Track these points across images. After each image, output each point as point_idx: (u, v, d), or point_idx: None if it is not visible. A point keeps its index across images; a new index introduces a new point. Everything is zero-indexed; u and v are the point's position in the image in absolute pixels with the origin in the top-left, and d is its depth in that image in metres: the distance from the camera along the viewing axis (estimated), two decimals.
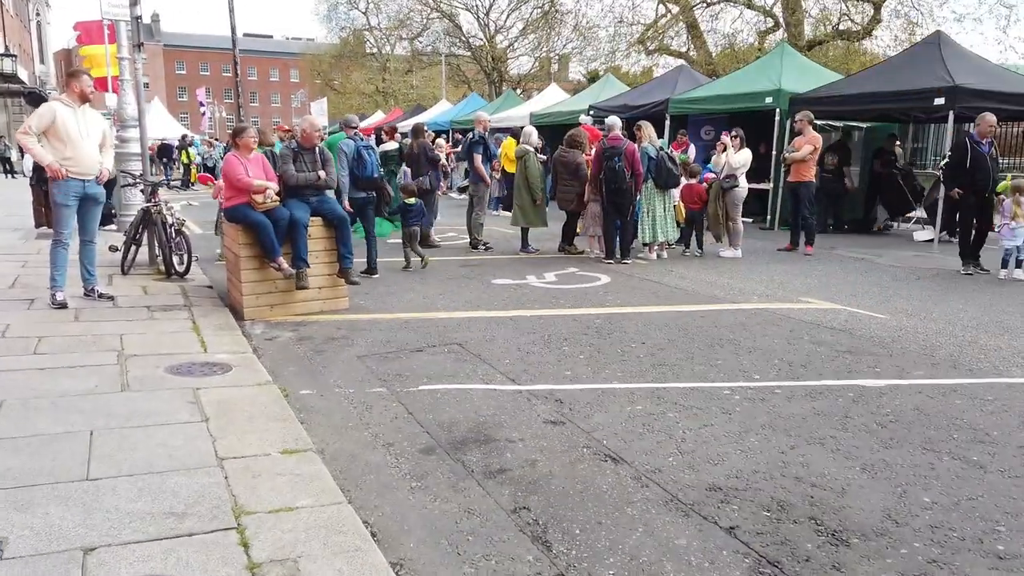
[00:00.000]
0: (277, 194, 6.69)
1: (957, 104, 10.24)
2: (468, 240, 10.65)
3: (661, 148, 9.37)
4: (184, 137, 27.74)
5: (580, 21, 33.97)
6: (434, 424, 4.17)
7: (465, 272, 8.80)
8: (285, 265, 6.53)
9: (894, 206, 13.29)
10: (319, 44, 55.02)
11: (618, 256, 9.30)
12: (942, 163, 8.54)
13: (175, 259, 8.00)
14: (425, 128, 10.79)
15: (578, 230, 10.18)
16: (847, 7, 24.71)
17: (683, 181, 9.68)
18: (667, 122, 15.23)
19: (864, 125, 13.92)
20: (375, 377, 4.98)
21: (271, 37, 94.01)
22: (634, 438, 3.95)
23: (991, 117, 8.42)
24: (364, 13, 50.29)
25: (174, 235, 8.02)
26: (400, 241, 11.35)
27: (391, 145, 11.88)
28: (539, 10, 33.69)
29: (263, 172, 6.70)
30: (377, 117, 35.56)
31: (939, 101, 10.39)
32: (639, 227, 9.42)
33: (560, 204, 9.91)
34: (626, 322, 6.38)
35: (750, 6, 25.81)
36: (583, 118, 17.61)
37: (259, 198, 6.50)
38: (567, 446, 3.87)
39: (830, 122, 13.42)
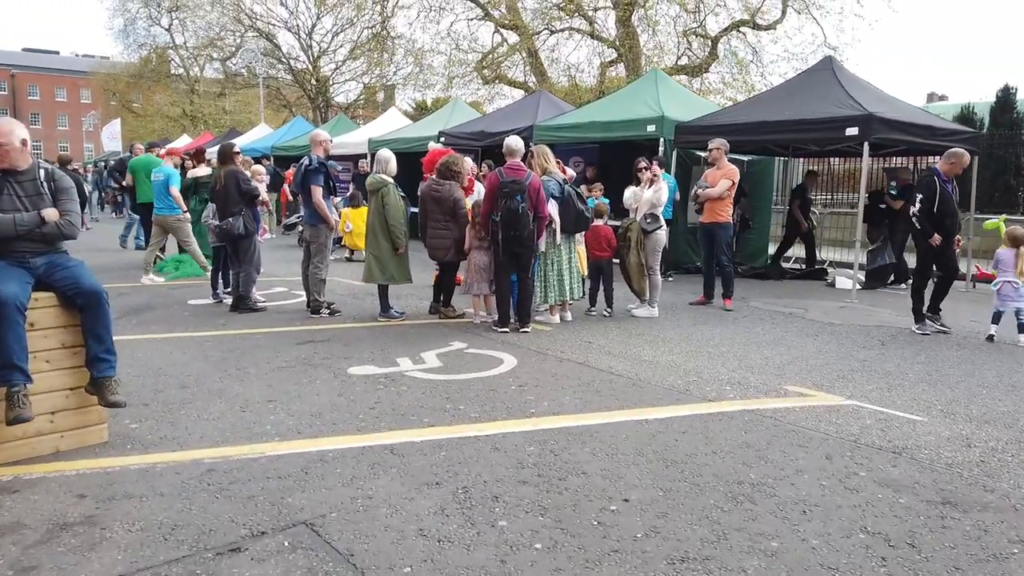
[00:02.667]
0: None
1: (872, 135, 9.09)
2: (305, 301, 7.92)
3: (566, 181, 7.26)
4: None
5: (412, 46, 31.83)
6: None
7: (306, 354, 6.12)
8: None
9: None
10: (114, 63, 48.82)
11: (515, 322, 7.03)
12: (916, 207, 7.09)
13: None
14: (237, 151, 7.95)
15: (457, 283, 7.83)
16: (688, 41, 24.50)
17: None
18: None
19: (746, 158, 12.77)
20: None
21: (57, 53, 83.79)
22: None
23: (966, 154, 7.18)
24: (167, 30, 45.21)
25: None
26: (213, 300, 8.39)
27: (203, 170, 8.91)
28: (369, 31, 31.15)
29: None
30: (183, 141, 31.14)
31: (852, 131, 9.19)
32: (539, 285, 7.21)
33: (431, 253, 7.49)
34: (576, 449, 4.07)
35: (594, 36, 24.96)
36: (432, 145, 15.38)
37: None
38: None
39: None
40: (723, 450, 4.06)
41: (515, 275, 6.97)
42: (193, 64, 46.27)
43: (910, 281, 10.81)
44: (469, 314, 7.61)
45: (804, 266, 12.51)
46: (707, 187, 8.39)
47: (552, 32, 25.21)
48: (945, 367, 6.00)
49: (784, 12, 24.37)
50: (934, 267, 7.32)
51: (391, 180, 7.29)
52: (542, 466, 3.83)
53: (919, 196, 7.09)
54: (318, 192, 7.38)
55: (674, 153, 11.40)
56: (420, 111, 37.33)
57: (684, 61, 25.28)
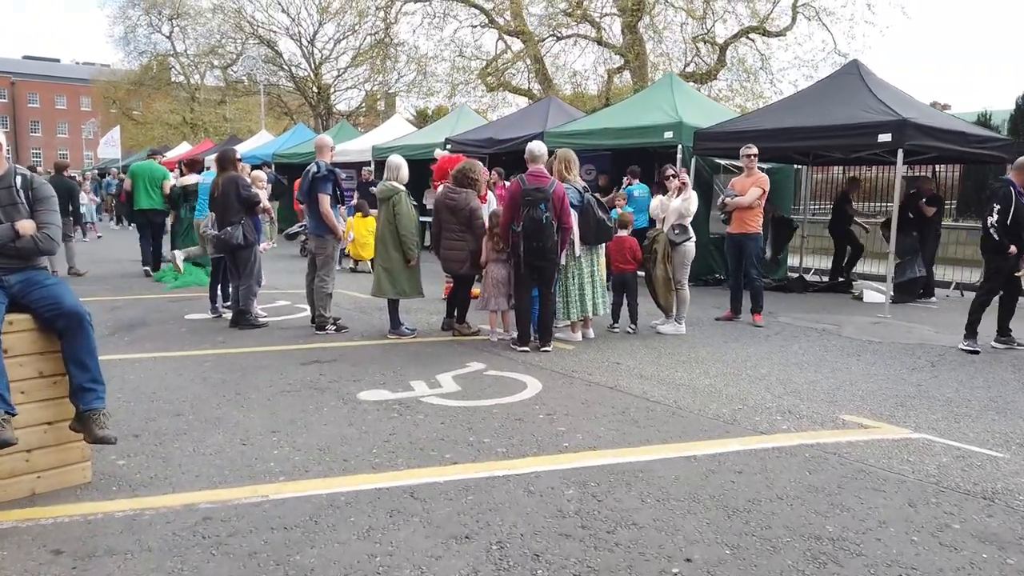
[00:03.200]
0: None
1: (906, 141, 8.64)
2: (310, 316, 7.45)
3: (586, 189, 6.80)
4: None
5: (413, 53, 31.42)
6: None
7: (311, 377, 5.64)
8: None
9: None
10: (115, 70, 48.52)
11: (536, 340, 6.55)
12: (993, 218, 6.62)
13: None
14: (238, 158, 7.48)
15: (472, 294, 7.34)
16: (696, 47, 24.11)
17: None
18: None
19: (766, 166, 12.31)
20: None
21: (58, 61, 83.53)
22: None
23: None
24: (168, 37, 44.96)
25: None
26: (212, 315, 7.86)
27: (193, 178, 8.48)
28: (372, 37, 30.78)
29: None
30: (183, 149, 30.73)
31: (884, 137, 8.74)
32: (560, 300, 6.73)
33: (445, 265, 7.03)
34: (622, 493, 3.59)
35: (601, 43, 24.55)
36: (438, 152, 14.95)
37: None
38: None
39: (734, 163, 11.66)
40: (789, 495, 3.57)
41: (536, 290, 6.49)
42: (194, 72, 46.01)
43: (949, 294, 10.40)
44: (484, 331, 7.14)
45: (827, 278, 12.05)
46: (735, 195, 7.93)
47: (558, 39, 24.81)
48: (1008, 392, 5.52)
49: (794, 19, 24.02)
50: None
51: (403, 188, 6.83)
52: (585, 515, 3.35)
53: (996, 207, 6.62)
54: (326, 201, 6.92)
55: (693, 160, 10.96)
56: (421, 120, 36.96)
57: (692, 68, 24.91)
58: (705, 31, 24.29)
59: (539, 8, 24.57)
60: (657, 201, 7.60)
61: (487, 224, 6.77)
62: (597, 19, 24.57)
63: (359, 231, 11.90)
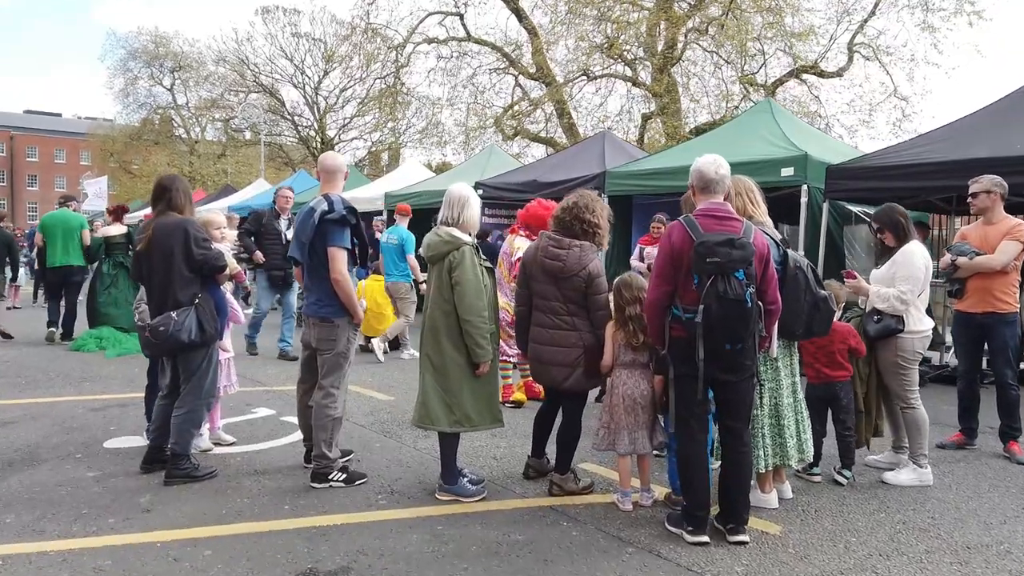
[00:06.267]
0: None
1: None
2: (304, 448, 4.50)
3: (784, 240, 3.93)
4: None
5: (428, 100, 29.20)
6: None
7: None
8: None
9: None
10: (115, 125, 46.93)
11: (713, 519, 3.59)
12: None
13: None
14: (189, 191, 4.55)
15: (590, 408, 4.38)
16: (746, 89, 21.72)
17: None
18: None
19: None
20: None
21: (59, 116, 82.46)
22: None
23: None
24: (169, 90, 43.37)
25: None
26: (148, 441, 4.51)
27: (116, 229, 5.81)
28: (381, 81, 28.50)
29: None
30: None
31: None
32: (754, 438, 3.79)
33: (538, 372, 4.10)
34: None
35: (636, 83, 22.19)
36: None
37: None
38: None
39: (868, 211, 8.90)
40: None
41: (725, 423, 3.56)
42: (194, 124, 44.39)
43: None
44: (598, 481, 4.17)
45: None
46: (975, 253, 5.07)
47: (591, 78, 22.43)
48: None
49: (851, 58, 21.76)
50: None
51: (469, 239, 3.97)
52: None
53: None
54: (341, 260, 4.05)
55: (825, 206, 8.21)
56: (438, 172, 34.56)
57: (737, 113, 22.50)
58: (751, 72, 21.95)
59: (569, 43, 22.29)
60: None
61: (614, 301, 3.89)
62: (630, 58, 22.29)
63: (372, 298, 8.94)
